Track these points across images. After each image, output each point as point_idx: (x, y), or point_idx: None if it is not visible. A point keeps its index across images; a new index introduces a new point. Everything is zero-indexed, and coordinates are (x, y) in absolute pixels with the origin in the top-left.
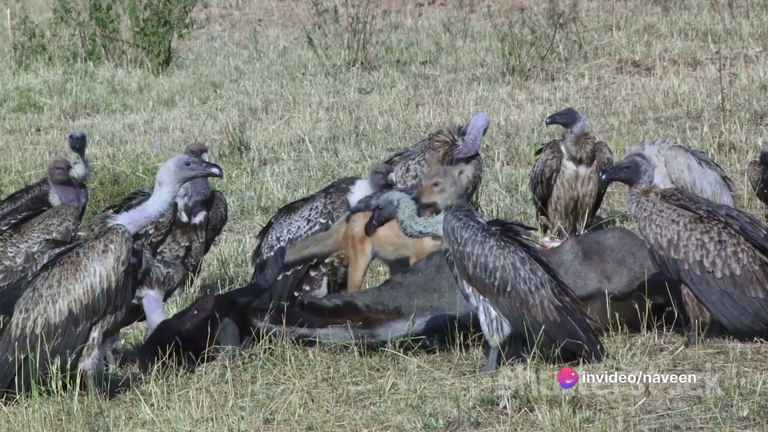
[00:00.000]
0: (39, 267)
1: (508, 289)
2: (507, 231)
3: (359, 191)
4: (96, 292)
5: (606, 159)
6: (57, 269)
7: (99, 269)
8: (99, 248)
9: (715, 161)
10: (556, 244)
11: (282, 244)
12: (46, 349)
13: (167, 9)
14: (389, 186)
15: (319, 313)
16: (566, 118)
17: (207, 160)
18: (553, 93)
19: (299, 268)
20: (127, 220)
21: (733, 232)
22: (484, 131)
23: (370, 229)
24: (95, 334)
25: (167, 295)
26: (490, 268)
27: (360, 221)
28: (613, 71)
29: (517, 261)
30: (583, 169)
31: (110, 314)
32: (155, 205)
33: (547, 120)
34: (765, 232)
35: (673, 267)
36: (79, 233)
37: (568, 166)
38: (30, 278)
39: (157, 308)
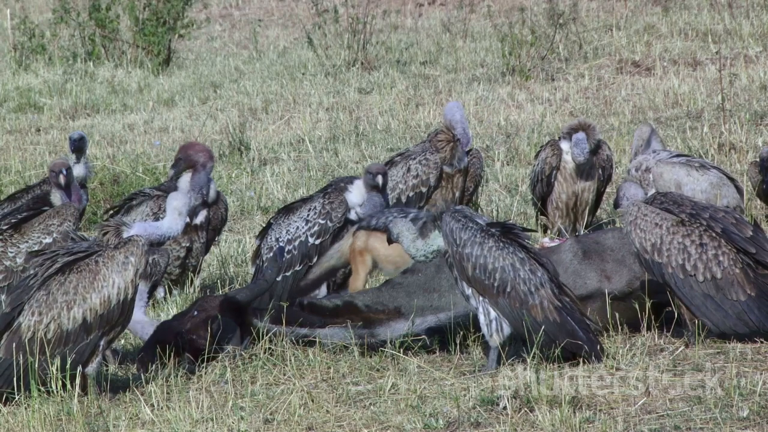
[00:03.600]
0: (31, 275)
1: (508, 289)
2: (506, 232)
3: (357, 191)
4: (112, 304)
5: (606, 156)
6: (74, 276)
7: (118, 281)
8: (119, 259)
9: (715, 162)
10: (555, 243)
11: (281, 244)
12: (57, 354)
13: (167, 9)
14: (377, 188)
15: (319, 313)
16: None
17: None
18: (553, 93)
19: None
20: (141, 231)
21: (714, 234)
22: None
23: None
24: (102, 342)
25: (153, 288)
26: (489, 269)
27: (362, 237)
28: (613, 71)
29: (517, 261)
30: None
31: (119, 326)
32: (171, 228)
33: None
34: (751, 233)
35: (657, 271)
36: (81, 234)
37: (569, 161)
38: (31, 280)
39: (140, 301)
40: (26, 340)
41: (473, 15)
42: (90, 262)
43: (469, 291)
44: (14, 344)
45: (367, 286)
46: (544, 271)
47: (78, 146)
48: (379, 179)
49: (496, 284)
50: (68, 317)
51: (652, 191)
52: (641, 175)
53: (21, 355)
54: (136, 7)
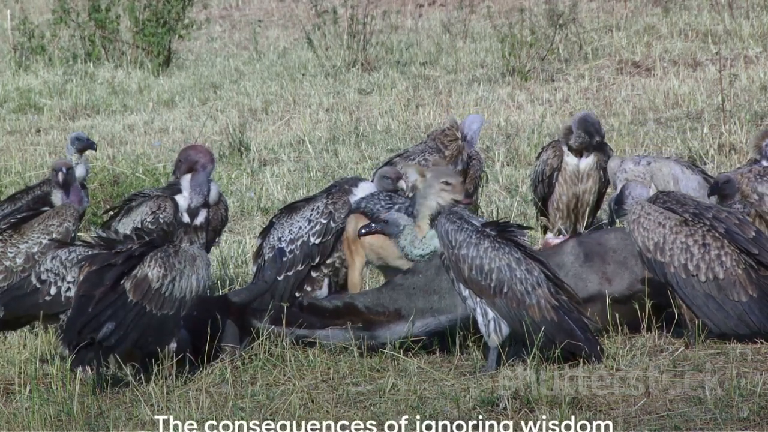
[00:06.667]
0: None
1: (505, 290)
2: (502, 232)
3: (362, 193)
4: (198, 291)
5: (607, 156)
6: (183, 253)
7: (204, 274)
8: (205, 259)
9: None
10: (559, 240)
11: (283, 244)
12: (168, 313)
13: (166, 9)
14: (397, 192)
15: (319, 314)
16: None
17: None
18: (553, 94)
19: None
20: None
21: (717, 235)
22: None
23: (361, 232)
24: None
25: None
26: (485, 270)
27: (352, 223)
28: (613, 72)
29: (513, 261)
30: (584, 165)
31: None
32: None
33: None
34: (754, 234)
35: (659, 270)
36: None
37: (570, 163)
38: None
39: None
40: (154, 290)
41: (473, 15)
42: (187, 249)
43: (466, 292)
44: (145, 291)
45: (366, 284)
46: (541, 270)
47: (89, 146)
48: (402, 183)
49: (492, 285)
50: (179, 285)
51: (651, 185)
52: (644, 168)
53: (152, 305)
54: (136, 8)
